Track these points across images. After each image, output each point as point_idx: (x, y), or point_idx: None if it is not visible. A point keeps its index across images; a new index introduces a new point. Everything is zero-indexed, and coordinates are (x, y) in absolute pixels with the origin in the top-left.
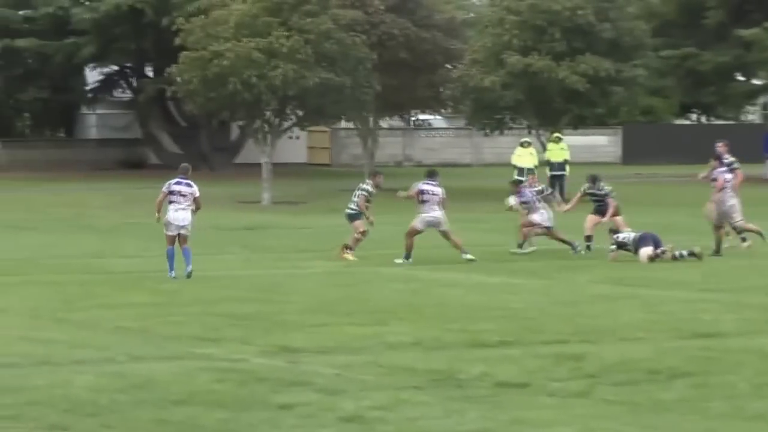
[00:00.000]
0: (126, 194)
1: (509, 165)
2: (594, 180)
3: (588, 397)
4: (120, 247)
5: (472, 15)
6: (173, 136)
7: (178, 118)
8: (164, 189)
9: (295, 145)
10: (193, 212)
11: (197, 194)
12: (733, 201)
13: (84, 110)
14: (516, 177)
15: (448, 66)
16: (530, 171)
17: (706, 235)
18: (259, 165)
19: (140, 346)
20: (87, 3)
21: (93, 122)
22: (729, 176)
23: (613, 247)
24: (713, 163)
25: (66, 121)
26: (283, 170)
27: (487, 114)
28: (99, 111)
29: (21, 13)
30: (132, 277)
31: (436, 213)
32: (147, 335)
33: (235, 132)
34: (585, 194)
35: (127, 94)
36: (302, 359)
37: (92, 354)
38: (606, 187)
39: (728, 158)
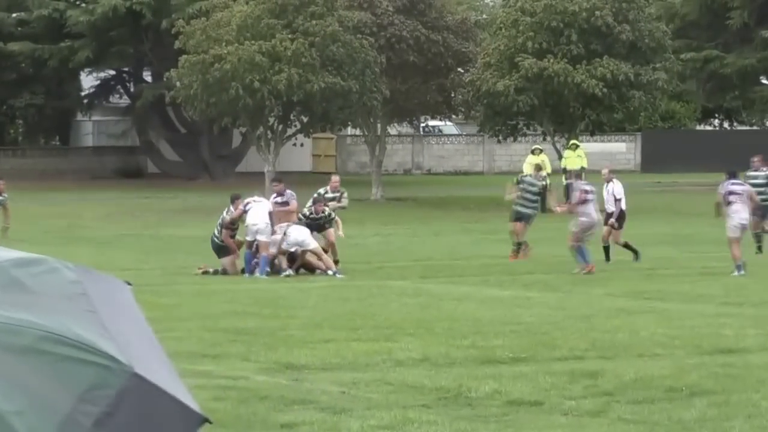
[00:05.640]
0: (122, 204)
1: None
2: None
3: (604, 416)
4: (115, 260)
5: (484, 16)
6: (172, 144)
7: (178, 125)
8: None
9: (300, 153)
10: None
11: None
12: None
13: (79, 117)
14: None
15: (460, 70)
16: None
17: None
18: (262, 173)
19: None
20: (83, 5)
21: (89, 129)
22: None
23: None
24: None
25: (61, 128)
26: (287, 179)
27: (501, 120)
28: (95, 118)
29: (14, 15)
30: None
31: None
32: None
33: (237, 139)
34: None
35: (125, 100)
36: (306, 377)
37: None
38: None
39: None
